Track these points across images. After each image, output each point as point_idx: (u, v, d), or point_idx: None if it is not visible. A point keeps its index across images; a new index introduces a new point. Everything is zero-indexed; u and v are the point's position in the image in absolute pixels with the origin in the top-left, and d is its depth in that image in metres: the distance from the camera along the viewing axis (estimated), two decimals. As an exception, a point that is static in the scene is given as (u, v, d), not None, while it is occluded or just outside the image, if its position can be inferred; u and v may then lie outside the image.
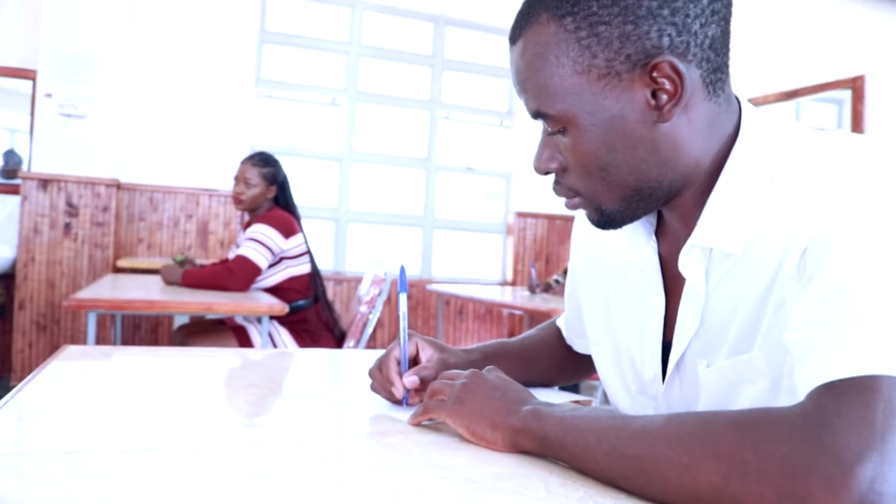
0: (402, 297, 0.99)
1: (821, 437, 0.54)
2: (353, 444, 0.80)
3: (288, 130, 5.19)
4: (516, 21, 0.80)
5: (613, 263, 0.94)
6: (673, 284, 0.85)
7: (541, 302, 3.42)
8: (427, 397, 0.85)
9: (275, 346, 2.97)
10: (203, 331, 3.10)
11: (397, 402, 0.95)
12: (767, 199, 0.74)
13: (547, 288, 3.81)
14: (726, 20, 0.76)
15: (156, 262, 3.99)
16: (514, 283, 5.70)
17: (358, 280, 4.95)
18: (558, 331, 1.16)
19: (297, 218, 3.21)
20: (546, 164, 0.81)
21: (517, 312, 3.72)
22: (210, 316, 3.27)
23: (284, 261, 3.07)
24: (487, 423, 0.76)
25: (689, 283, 0.81)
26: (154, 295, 2.55)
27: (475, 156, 5.79)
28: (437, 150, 5.59)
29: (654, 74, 0.72)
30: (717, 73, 0.76)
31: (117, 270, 4.20)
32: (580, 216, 1.06)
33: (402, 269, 1.02)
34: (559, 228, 5.82)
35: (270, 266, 3.03)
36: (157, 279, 3.45)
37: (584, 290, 1.02)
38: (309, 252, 3.20)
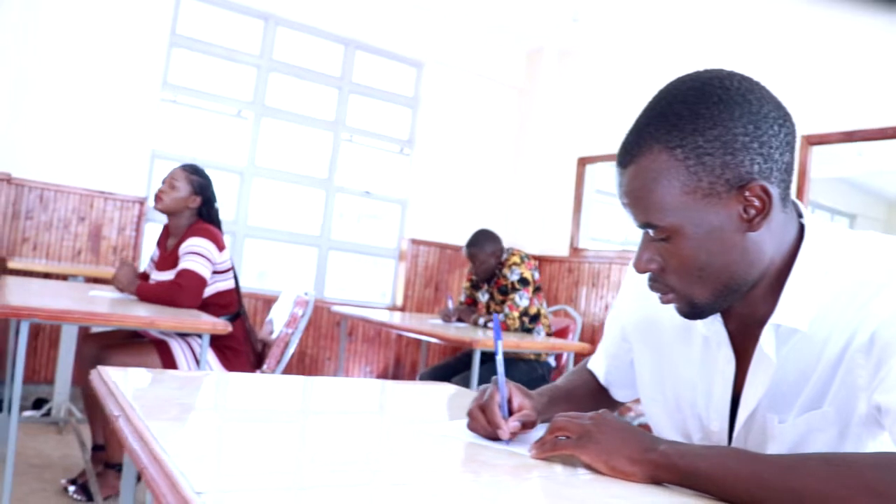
0: (499, 345, 1.10)
1: None
2: (509, 481, 0.88)
3: (190, 138, 5.06)
4: (626, 149, 0.96)
5: (670, 332, 1.13)
6: (737, 353, 1.04)
7: (455, 331, 3.54)
8: (549, 433, 0.97)
9: (197, 361, 2.91)
10: (121, 343, 2.98)
11: (496, 439, 1.04)
12: (825, 289, 0.95)
13: (461, 318, 3.96)
14: (793, 148, 0.96)
15: (55, 267, 3.79)
16: (403, 309, 5.81)
17: (253, 296, 4.90)
18: (592, 374, 1.33)
19: (222, 234, 3.18)
20: (647, 265, 0.98)
21: (429, 339, 3.82)
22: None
23: (214, 275, 3.03)
24: (625, 459, 0.89)
25: (758, 351, 0.98)
26: (96, 306, 2.46)
27: (373, 180, 5.87)
28: (338, 172, 5.63)
29: (747, 194, 0.91)
30: (787, 189, 0.96)
31: (5, 272, 3.93)
32: (629, 289, 1.24)
33: (496, 318, 1.12)
34: (450, 257, 6.00)
35: (202, 281, 2.98)
36: (67, 285, 3.29)
37: (640, 354, 1.20)
38: (233, 267, 3.18)
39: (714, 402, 1.06)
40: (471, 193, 6.11)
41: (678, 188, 0.91)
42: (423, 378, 3.94)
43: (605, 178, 5.98)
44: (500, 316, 3.85)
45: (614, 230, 5.99)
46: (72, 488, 2.91)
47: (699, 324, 1.06)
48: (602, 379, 1.31)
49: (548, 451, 0.95)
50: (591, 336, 5.43)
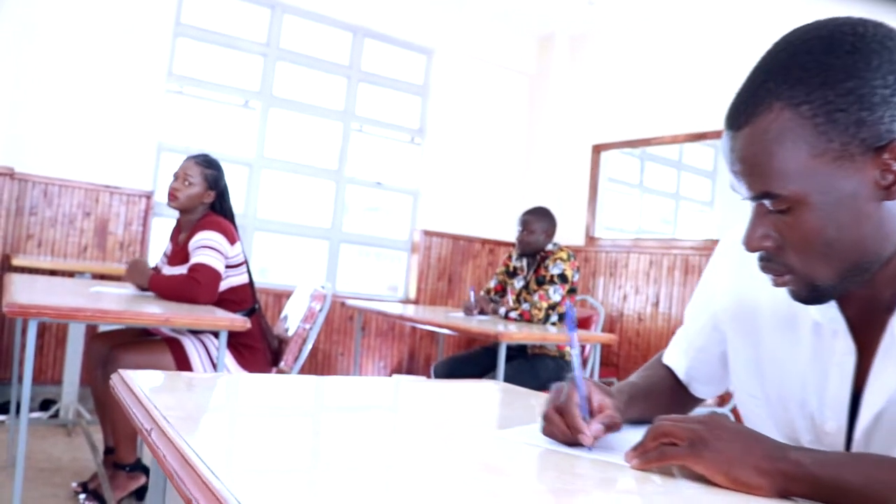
0: (574, 336, 0.96)
1: None
2: (605, 494, 0.75)
3: (197, 130, 4.92)
4: (740, 109, 0.82)
5: (770, 318, 0.98)
6: (857, 342, 0.89)
7: (478, 324, 3.41)
8: (651, 440, 0.83)
9: (211, 360, 2.79)
10: (132, 342, 2.86)
11: (574, 444, 0.91)
12: None
13: (483, 311, 3.83)
14: None
15: (61, 264, 3.66)
16: (416, 302, 5.68)
17: (262, 291, 4.77)
18: (670, 370, 1.20)
19: (235, 227, 3.05)
20: (760, 242, 0.85)
21: (451, 332, 3.70)
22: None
23: (226, 270, 2.91)
24: (751, 468, 0.75)
25: (889, 340, 0.84)
26: (107, 303, 2.33)
27: (384, 170, 5.73)
28: (348, 163, 5.49)
29: (886, 156, 0.77)
30: None
31: (10, 269, 3.80)
32: (719, 271, 1.10)
33: (570, 307, 0.98)
34: (463, 249, 5.87)
35: (214, 275, 2.84)
36: (74, 282, 3.17)
37: (734, 344, 1.06)
38: (246, 262, 3.05)
39: (829, 400, 0.91)
40: (484, 183, 5.97)
41: (805, 150, 0.78)
42: (436, 370, 3.80)
43: (619, 165, 5.84)
44: (526, 305, 3.72)
45: (628, 219, 5.85)
46: (83, 496, 2.79)
47: (812, 309, 0.91)
48: (682, 374, 1.17)
49: (654, 460, 0.81)
50: (611, 327, 5.30)
